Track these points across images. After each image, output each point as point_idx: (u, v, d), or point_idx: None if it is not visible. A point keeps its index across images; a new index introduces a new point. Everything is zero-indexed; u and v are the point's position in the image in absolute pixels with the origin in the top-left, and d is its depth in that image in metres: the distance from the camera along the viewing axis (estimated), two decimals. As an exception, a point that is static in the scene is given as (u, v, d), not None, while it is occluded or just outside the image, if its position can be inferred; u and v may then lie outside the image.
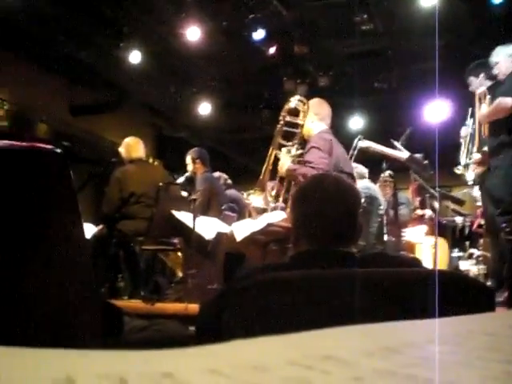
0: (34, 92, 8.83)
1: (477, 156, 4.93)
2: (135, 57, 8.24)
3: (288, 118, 4.46)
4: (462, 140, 5.40)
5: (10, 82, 8.56)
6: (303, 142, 4.44)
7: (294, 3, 7.80)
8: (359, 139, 5.36)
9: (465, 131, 5.38)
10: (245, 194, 4.55)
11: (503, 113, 4.48)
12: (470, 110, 5.36)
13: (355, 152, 5.36)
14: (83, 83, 9.49)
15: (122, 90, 9.67)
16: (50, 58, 8.47)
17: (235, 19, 7.98)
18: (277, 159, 4.42)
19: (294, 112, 4.49)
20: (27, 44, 7.97)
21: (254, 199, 4.41)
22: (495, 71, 4.83)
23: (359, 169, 6.20)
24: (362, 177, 6.23)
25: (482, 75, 5.09)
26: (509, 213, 4.36)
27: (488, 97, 4.84)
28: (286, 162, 4.33)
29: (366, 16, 7.57)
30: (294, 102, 4.48)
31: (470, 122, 5.36)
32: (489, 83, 5.03)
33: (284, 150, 4.41)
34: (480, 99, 4.93)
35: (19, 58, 8.47)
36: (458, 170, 5.40)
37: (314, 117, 4.44)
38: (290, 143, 4.45)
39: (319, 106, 4.50)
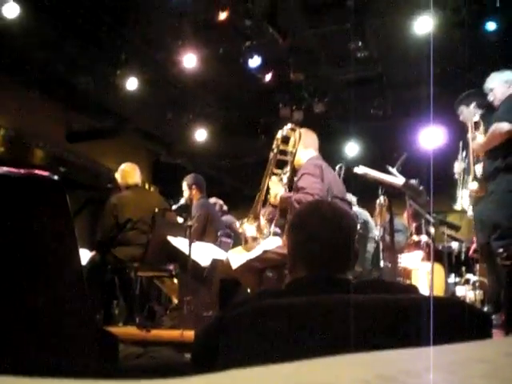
0: (30, 117, 8.86)
1: (473, 186, 4.93)
2: (132, 83, 8.28)
3: (281, 147, 4.49)
4: (456, 176, 5.40)
5: (7, 107, 8.59)
6: (294, 170, 4.46)
7: (290, 31, 7.87)
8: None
9: (458, 167, 5.38)
10: (237, 223, 4.54)
11: (499, 138, 4.50)
12: (460, 143, 5.37)
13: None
14: (80, 109, 9.52)
15: (119, 117, 9.71)
16: (47, 84, 8.51)
17: (232, 46, 8.04)
18: (269, 188, 4.43)
19: (286, 140, 4.52)
20: (25, 69, 8.01)
21: (248, 228, 4.40)
22: (490, 98, 4.86)
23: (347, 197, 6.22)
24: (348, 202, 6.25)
25: (473, 104, 5.13)
26: (505, 238, 4.36)
27: (482, 125, 4.88)
28: (278, 190, 4.34)
29: (361, 43, 7.64)
30: (285, 130, 4.51)
31: (462, 155, 5.37)
32: (480, 112, 5.06)
33: (275, 178, 4.42)
34: (473, 128, 4.96)
35: (16, 84, 8.50)
36: (457, 206, 5.42)
37: (302, 146, 4.47)
38: (282, 171, 4.47)
39: (305, 136, 4.54)
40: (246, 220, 4.37)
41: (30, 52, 7.61)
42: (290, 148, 4.49)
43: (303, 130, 4.58)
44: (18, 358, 1.02)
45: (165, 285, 5.86)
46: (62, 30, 7.32)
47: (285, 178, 4.44)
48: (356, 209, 6.11)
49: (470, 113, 5.06)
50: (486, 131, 4.79)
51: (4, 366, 0.97)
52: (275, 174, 4.46)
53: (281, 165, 4.53)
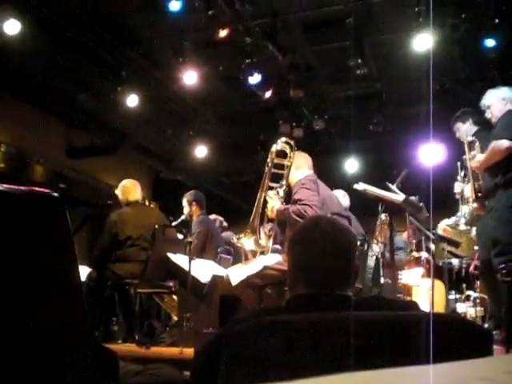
0: (31, 134, 8.88)
1: (474, 205, 4.96)
2: (132, 100, 8.31)
3: (276, 160, 4.53)
4: (457, 196, 5.41)
5: (8, 123, 8.61)
6: (289, 184, 4.51)
7: (290, 48, 7.91)
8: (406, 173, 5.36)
9: (458, 187, 5.39)
10: (235, 238, 4.56)
11: (499, 155, 4.50)
12: (458, 163, 5.38)
13: None
14: (80, 125, 9.55)
15: (119, 133, 9.72)
16: (47, 100, 8.54)
17: (232, 64, 8.08)
18: (266, 201, 4.45)
19: (281, 154, 4.57)
20: (25, 86, 8.04)
21: (246, 242, 4.41)
22: (488, 115, 4.87)
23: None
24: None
25: (469, 121, 5.15)
26: (505, 254, 4.35)
27: (477, 144, 4.89)
28: (275, 203, 4.37)
29: (360, 60, 7.67)
30: (279, 143, 4.56)
31: (461, 175, 5.38)
32: (476, 129, 5.08)
33: (271, 192, 4.45)
34: (469, 148, 4.97)
35: (17, 100, 8.53)
36: (462, 227, 5.43)
37: (294, 167, 4.54)
38: (278, 184, 4.50)
39: (296, 157, 4.59)
40: (243, 235, 4.38)
41: (31, 68, 7.64)
42: (285, 162, 4.53)
43: (296, 153, 4.62)
44: (16, 375, 1.01)
45: (164, 302, 5.85)
46: (63, 47, 7.35)
47: (281, 192, 4.46)
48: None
49: (464, 132, 5.08)
50: (482, 149, 4.80)
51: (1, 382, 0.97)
52: (271, 188, 4.48)
53: (276, 178, 4.56)
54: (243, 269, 4.25)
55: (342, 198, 6.04)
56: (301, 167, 4.60)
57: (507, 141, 4.44)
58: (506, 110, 4.71)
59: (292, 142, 4.60)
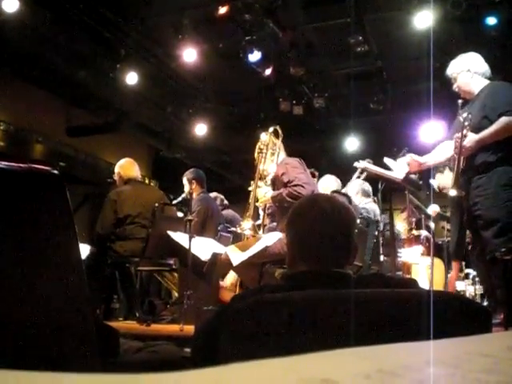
0: (30, 113, 8.86)
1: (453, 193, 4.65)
2: (132, 78, 8.28)
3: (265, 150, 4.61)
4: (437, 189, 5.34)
5: (7, 102, 8.59)
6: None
7: (290, 25, 7.86)
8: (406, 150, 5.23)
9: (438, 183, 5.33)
10: (238, 229, 4.68)
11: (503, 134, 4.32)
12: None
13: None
14: (80, 104, 9.52)
15: (119, 111, 9.69)
16: (47, 79, 8.51)
17: (231, 41, 8.04)
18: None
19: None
20: (24, 64, 8.00)
21: (246, 225, 4.49)
22: (455, 88, 4.58)
23: (366, 186, 6.24)
24: (367, 195, 6.26)
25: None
26: (506, 234, 4.24)
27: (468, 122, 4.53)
28: (266, 190, 4.42)
29: (361, 38, 7.63)
30: (265, 135, 4.67)
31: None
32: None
33: (261, 183, 4.53)
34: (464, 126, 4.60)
35: (16, 79, 8.50)
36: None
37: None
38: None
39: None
40: (242, 222, 4.48)
41: (30, 47, 7.60)
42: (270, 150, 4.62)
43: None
44: (17, 351, 1.02)
45: (165, 279, 5.87)
46: (62, 25, 7.31)
47: (268, 180, 4.52)
48: (367, 204, 6.12)
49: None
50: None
51: (2, 359, 0.97)
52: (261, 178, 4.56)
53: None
54: (244, 249, 4.26)
55: (334, 182, 6.04)
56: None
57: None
58: (502, 85, 4.46)
59: (279, 131, 4.68)
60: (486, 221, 4.36)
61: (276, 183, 4.44)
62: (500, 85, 4.48)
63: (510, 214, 4.24)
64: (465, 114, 4.29)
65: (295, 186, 4.12)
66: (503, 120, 4.22)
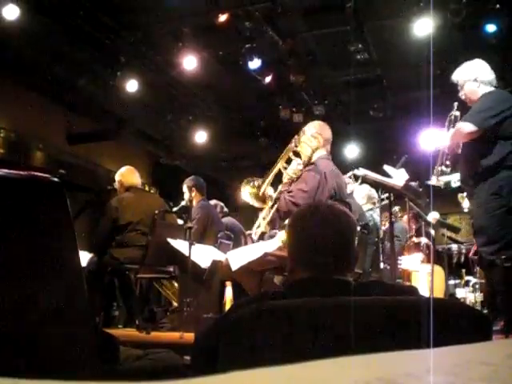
0: (31, 120, 8.86)
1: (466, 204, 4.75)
2: (132, 85, 8.29)
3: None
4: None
5: (7, 109, 8.60)
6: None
7: (290, 33, 7.88)
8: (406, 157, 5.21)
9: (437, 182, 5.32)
10: (253, 233, 4.58)
11: (460, 138, 4.39)
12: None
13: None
14: (80, 112, 9.53)
15: (119, 119, 9.71)
16: (47, 86, 8.51)
17: (232, 48, 8.05)
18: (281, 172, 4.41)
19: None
20: (25, 71, 8.01)
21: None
22: (462, 95, 4.63)
23: (372, 192, 6.25)
24: (371, 202, 6.27)
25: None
26: (495, 242, 4.23)
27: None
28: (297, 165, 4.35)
29: (361, 45, 7.65)
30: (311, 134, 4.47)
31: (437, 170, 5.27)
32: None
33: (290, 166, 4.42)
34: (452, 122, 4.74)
35: (16, 86, 8.51)
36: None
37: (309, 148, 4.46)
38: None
39: (312, 139, 4.50)
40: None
41: (30, 54, 7.61)
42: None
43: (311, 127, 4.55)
44: (18, 359, 1.02)
45: (164, 287, 5.87)
46: (62, 32, 7.32)
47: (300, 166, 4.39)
48: (369, 210, 6.13)
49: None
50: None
51: (3, 367, 0.97)
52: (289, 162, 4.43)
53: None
54: (243, 254, 4.25)
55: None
56: (315, 148, 4.49)
57: (471, 125, 4.27)
58: (482, 94, 4.46)
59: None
60: (477, 229, 4.40)
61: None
62: (489, 93, 4.49)
63: (499, 223, 4.23)
64: (453, 112, 4.44)
65: (292, 202, 4.09)
66: (457, 125, 4.38)
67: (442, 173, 4.76)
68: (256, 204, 4.44)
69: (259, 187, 4.36)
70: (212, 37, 7.94)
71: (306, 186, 4.14)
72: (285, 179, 4.37)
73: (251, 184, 4.40)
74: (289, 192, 4.17)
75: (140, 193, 5.91)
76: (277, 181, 4.45)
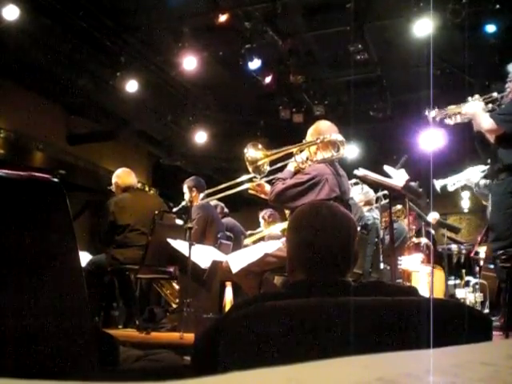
0: (31, 120, 8.86)
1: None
2: (132, 86, 8.29)
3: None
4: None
5: (8, 109, 8.60)
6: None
7: (290, 33, 7.88)
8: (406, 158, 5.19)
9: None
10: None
11: (480, 129, 4.39)
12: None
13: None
14: (80, 112, 9.53)
15: (119, 119, 9.70)
16: (47, 86, 8.52)
17: (231, 49, 8.06)
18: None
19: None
20: (25, 72, 8.01)
21: (250, 151, 4.44)
22: (507, 88, 4.52)
23: (370, 194, 6.24)
24: (370, 203, 6.27)
25: (476, 96, 4.86)
26: (502, 240, 4.29)
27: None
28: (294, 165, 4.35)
29: (360, 46, 7.65)
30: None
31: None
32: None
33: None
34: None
35: (17, 86, 8.51)
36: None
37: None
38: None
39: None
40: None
41: (31, 54, 7.61)
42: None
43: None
44: (17, 360, 1.02)
45: (163, 289, 5.86)
46: (62, 33, 7.32)
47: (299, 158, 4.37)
48: (368, 211, 6.12)
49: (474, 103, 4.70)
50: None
51: (3, 368, 0.97)
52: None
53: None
54: (244, 256, 4.25)
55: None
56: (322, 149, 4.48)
57: (492, 122, 4.26)
58: None
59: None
60: (490, 225, 4.47)
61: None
62: None
63: (509, 222, 4.27)
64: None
65: (281, 189, 4.12)
66: (485, 115, 4.32)
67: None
68: (249, 168, 4.47)
69: (261, 159, 4.39)
70: (212, 37, 7.94)
71: (301, 185, 4.14)
72: (291, 167, 4.38)
73: (256, 148, 4.44)
74: (283, 182, 4.18)
75: (137, 193, 5.91)
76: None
